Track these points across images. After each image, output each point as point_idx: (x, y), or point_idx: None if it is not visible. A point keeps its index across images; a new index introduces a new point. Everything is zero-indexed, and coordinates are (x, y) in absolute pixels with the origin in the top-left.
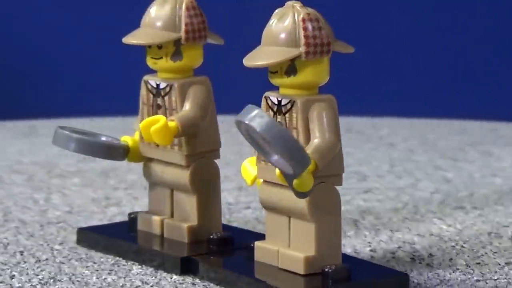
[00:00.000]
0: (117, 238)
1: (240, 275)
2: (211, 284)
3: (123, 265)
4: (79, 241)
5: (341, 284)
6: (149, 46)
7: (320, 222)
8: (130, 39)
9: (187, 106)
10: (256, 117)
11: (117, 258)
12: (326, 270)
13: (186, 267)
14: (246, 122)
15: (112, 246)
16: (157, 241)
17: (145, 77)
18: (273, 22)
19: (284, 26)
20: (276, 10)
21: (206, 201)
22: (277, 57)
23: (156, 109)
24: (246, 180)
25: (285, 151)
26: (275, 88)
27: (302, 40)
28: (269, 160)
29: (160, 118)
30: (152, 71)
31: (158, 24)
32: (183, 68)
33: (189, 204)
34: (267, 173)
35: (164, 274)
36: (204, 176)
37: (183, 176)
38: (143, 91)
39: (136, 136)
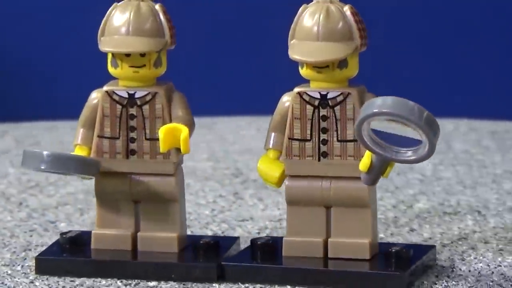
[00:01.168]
0: (95, 259)
1: (307, 268)
2: (269, 286)
3: (135, 284)
4: (43, 271)
5: (404, 263)
6: (128, 55)
7: (372, 207)
8: (120, 48)
9: (180, 112)
10: (389, 101)
11: (112, 280)
12: (391, 250)
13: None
14: (378, 110)
15: (93, 268)
16: (142, 255)
17: (108, 88)
18: (318, 17)
19: (335, 21)
20: (310, 8)
21: (183, 208)
22: (344, 51)
23: (127, 119)
24: (270, 182)
25: (429, 124)
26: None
27: (357, 33)
28: (392, 155)
29: (181, 127)
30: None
31: (141, 30)
32: (158, 75)
33: (169, 213)
34: (302, 167)
35: (200, 285)
36: (182, 183)
37: (168, 184)
38: (103, 103)
39: (83, 151)
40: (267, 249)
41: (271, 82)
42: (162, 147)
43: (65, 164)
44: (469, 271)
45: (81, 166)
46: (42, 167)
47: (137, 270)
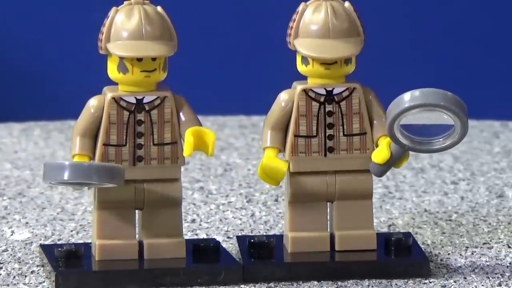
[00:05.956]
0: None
1: (324, 262)
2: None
3: None
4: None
5: (405, 250)
6: (140, 60)
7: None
8: (135, 52)
9: (189, 115)
10: (417, 94)
11: None
12: (393, 238)
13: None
14: (410, 104)
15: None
16: (154, 262)
17: (114, 94)
18: (326, 15)
19: (343, 17)
20: (311, 6)
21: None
22: (356, 47)
23: (135, 125)
24: (276, 179)
25: (460, 107)
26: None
27: (361, 29)
28: (424, 147)
29: (207, 130)
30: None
31: (154, 34)
32: (163, 79)
33: (174, 218)
34: (308, 163)
35: (228, 287)
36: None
37: (175, 189)
38: (110, 110)
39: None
40: (267, 247)
41: (261, 82)
42: (189, 150)
43: (88, 173)
44: None
45: (107, 174)
46: (65, 178)
47: (157, 277)
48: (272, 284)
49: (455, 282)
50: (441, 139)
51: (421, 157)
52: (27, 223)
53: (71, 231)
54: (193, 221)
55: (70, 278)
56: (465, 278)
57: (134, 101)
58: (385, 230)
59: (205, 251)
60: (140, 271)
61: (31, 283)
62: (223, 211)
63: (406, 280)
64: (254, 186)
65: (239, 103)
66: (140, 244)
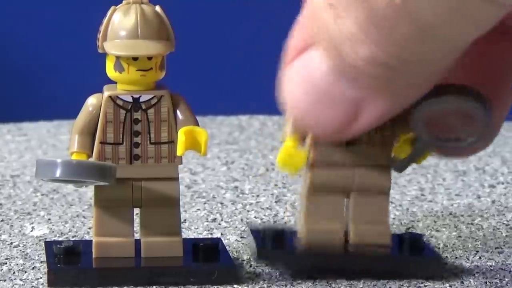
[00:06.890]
0: (113, 268)
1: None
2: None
3: None
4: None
5: (417, 248)
6: (136, 59)
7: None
8: (130, 51)
9: (186, 114)
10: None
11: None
12: (406, 237)
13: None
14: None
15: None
16: (150, 261)
17: (111, 93)
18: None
19: None
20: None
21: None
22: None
23: (132, 124)
24: (296, 166)
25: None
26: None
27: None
28: (453, 145)
29: (200, 129)
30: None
31: (150, 33)
32: (161, 78)
33: (171, 217)
34: (331, 154)
35: (222, 286)
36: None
37: (173, 188)
38: (107, 108)
39: (81, 158)
40: (279, 237)
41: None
42: (182, 149)
43: (79, 170)
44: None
45: (97, 172)
46: (56, 175)
47: (152, 276)
48: (265, 285)
49: (450, 286)
50: (466, 143)
51: (468, 160)
52: (49, 219)
53: (89, 228)
54: (214, 220)
55: (63, 275)
56: (462, 282)
57: (130, 100)
58: (403, 231)
59: (203, 251)
60: (133, 269)
61: (28, 279)
62: (248, 211)
63: (401, 284)
64: (289, 187)
65: (246, 102)
66: (139, 242)
